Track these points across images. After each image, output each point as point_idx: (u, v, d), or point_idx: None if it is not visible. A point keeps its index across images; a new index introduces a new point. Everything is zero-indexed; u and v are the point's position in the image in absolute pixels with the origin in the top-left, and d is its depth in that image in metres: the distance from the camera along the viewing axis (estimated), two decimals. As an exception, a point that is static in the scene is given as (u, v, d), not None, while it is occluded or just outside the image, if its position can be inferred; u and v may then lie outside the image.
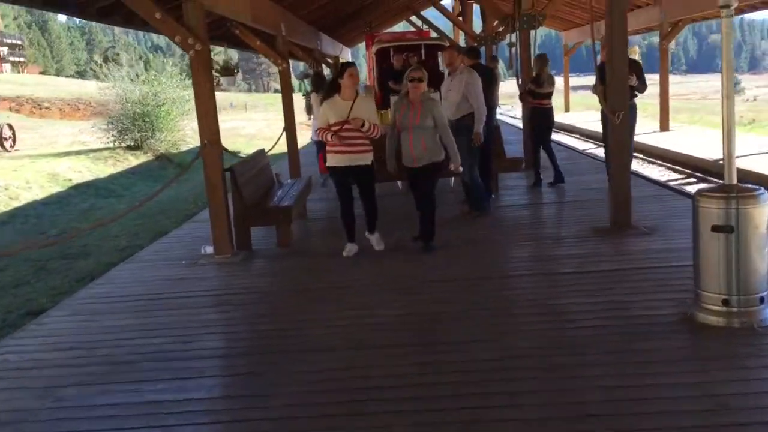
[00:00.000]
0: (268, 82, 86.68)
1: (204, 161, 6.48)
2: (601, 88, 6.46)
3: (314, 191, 10.13)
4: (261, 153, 8.38)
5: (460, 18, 18.43)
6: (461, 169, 6.39)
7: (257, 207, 6.86)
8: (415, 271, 5.59)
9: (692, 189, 10.64)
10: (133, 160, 18.56)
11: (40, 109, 44.99)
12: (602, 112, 7.49)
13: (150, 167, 17.18)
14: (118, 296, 5.53)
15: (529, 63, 10.22)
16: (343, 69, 5.89)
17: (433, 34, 18.05)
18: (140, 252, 7.19)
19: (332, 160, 5.90)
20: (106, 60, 24.23)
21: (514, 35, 10.71)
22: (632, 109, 7.21)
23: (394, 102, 6.46)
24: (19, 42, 76.68)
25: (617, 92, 6.18)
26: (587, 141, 18.92)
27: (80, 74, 78.04)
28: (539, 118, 8.95)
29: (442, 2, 19.97)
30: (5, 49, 73.34)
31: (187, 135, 20.87)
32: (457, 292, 5.01)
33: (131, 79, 20.87)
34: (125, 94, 19.88)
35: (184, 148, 21.69)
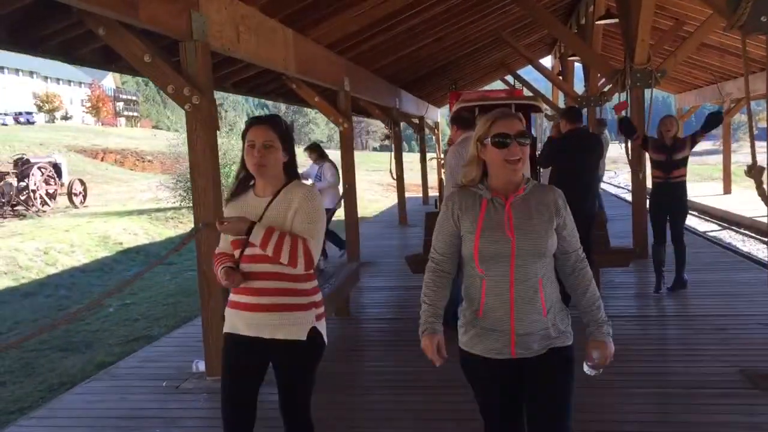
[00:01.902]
0: (366, 140, 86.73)
1: (197, 250, 4.88)
2: (758, 168, 4.40)
3: (373, 274, 8.42)
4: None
5: (560, 77, 16.66)
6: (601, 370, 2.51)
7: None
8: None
9: None
10: (198, 221, 17.48)
11: (143, 162, 46.41)
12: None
13: (215, 230, 15.98)
14: (40, 446, 3.91)
15: (642, 127, 8.32)
16: (245, 132, 2.71)
17: (527, 93, 16.26)
18: (123, 361, 5.59)
19: (228, 320, 2.77)
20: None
21: (623, 95, 8.78)
22: None
23: (451, 195, 2.41)
24: (134, 98, 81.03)
25: (788, 177, 4.13)
26: (707, 220, 16.27)
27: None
28: (667, 195, 6.50)
29: (540, 60, 18.28)
30: (121, 104, 77.63)
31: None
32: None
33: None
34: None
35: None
